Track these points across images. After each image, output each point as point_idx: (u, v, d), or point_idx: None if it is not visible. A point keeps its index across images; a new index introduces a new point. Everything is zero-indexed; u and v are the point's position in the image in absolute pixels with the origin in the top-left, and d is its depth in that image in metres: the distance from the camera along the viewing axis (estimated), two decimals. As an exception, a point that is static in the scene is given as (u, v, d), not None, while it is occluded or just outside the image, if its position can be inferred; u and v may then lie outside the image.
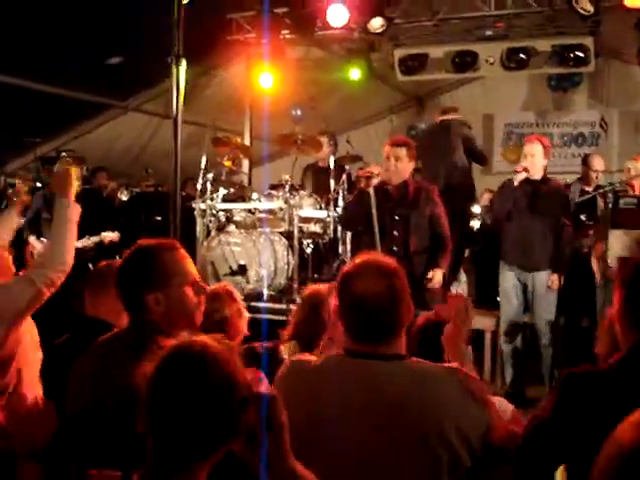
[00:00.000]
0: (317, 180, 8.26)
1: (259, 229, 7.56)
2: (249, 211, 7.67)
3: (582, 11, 8.00)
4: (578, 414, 2.36)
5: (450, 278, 7.77)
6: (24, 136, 10.05)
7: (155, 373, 1.77)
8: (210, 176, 7.65)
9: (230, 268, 7.22)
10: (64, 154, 8.88)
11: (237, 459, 1.82)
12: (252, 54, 9.66)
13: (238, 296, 3.99)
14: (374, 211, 5.69)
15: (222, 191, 7.69)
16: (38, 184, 8.89)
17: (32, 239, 7.34)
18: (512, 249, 6.62)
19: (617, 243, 6.41)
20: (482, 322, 7.21)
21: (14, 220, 5.22)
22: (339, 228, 7.44)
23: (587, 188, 7.70)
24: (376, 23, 8.74)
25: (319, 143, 8.14)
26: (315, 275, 7.85)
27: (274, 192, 7.66)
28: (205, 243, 7.49)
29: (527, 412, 3.05)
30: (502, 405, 3.06)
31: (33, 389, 3.44)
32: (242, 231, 7.54)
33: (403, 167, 5.93)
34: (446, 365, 2.45)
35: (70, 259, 3.39)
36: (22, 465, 2.71)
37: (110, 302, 3.36)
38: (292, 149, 8.08)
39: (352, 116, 12.85)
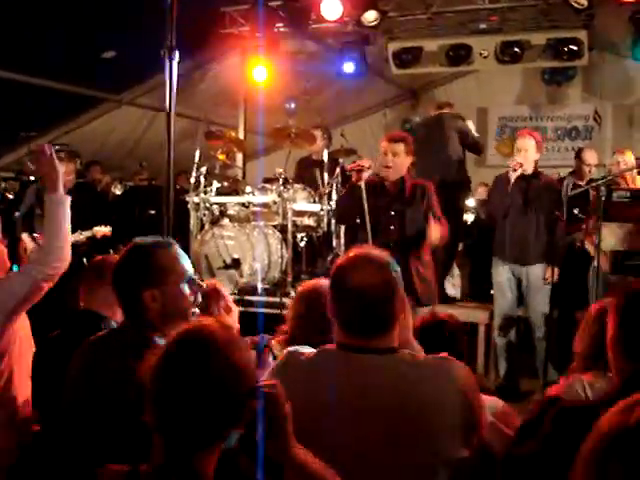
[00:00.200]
0: (311, 173, 8.25)
1: (253, 223, 7.55)
2: (243, 205, 7.66)
3: (576, 4, 8.01)
4: (571, 450, 2.36)
5: (444, 272, 7.79)
6: (18, 130, 10.04)
7: (161, 360, 1.79)
8: (204, 170, 7.64)
9: (224, 262, 7.22)
10: (58, 148, 8.85)
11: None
12: (246, 47, 9.66)
13: (225, 292, 3.99)
14: (365, 205, 5.68)
15: (216, 185, 7.69)
16: (32, 177, 8.88)
17: (25, 236, 7.30)
18: (506, 244, 6.63)
19: (610, 236, 6.43)
20: (476, 315, 7.25)
21: None
22: (333, 222, 7.44)
23: (580, 182, 7.71)
24: (370, 16, 8.75)
25: (313, 136, 8.12)
26: (309, 269, 7.85)
27: (268, 186, 7.65)
28: (199, 237, 7.48)
29: (520, 405, 3.08)
30: (493, 403, 3.08)
31: (22, 391, 3.44)
32: (236, 225, 7.53)
33: (401, 163, 5.91)
34: (438, 357, 2.45)
35: (67, 254, 3.39)
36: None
37: (105, 296, 3.37)
38: (286, 142, 8.06)
39: (346, 109, 12.86)
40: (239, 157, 9.74)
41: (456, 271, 8.50)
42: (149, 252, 2.65)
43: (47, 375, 3.29)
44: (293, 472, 1.88)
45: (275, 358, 3.14)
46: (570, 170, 8.32)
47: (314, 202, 7.55)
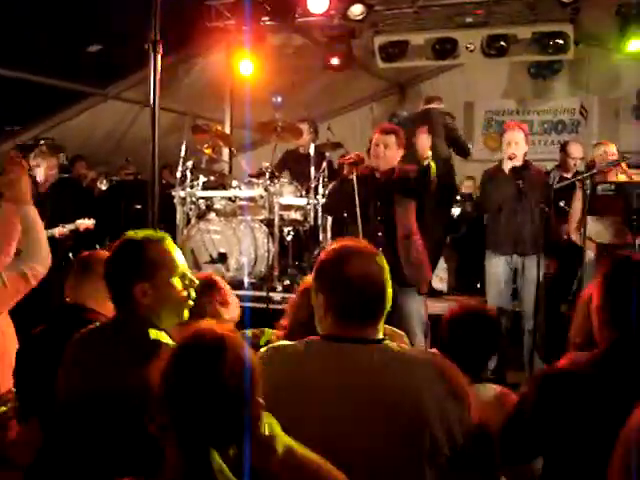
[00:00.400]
0: (297, 167, 8.25)
1: (239, 217, 7.55)
2: (229, 199, 7.65)
3: (562, -2, 8.04)
4: (556, 415, 2.39)
5: (433, 264, 7.80)
6: (2, 124, 9.98)
7: (173, 366, 1.80)
8: (190, 164, 7.63)
9: (210, 256, 7.22)
10: (42, 142, 8.82)
11: None
12: (232, 41, 9.61)
13: (223, 285, 3.96)
14: (357, 198, 5.68)
15: (202, 179, 7.67)
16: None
17: None
18: (502, 235, 6.61)
19: (595, 227, 6.46)
20: (462, 308, 7.25)
21: None
22: (319, 215, 7.44)
23: (566, 175, 7.74)
24: (356, 10, 8.73)
25: (299, 130, 8.12)
26: (296, 263, 7.85)
27: (254, 180, 7.65)
28: (185, 231, 7.48)
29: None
30: (486, 390, 3.09)
31: (3, 388, 3.42)
32: (222, 219, 7.52)
33: (391, 154, 5.94)
34: (425, 350, 2.46)
35: (48, 260, 3.39)
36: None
37: (92, 290, 3.37)
38: (272, 136, 8.06)
39: (333, 103, 12.84)
40: (225, 151, 9.72)
41: (443, 264, 8.52)
42: (141, 246, 2.64)
43: (34, 370, 3.27)
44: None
45: None
46: (556, 163, 8.34)
47: (301, 196, 7.54)
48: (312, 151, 7.75)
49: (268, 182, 7.34)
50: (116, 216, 9.04)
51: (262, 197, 7.39)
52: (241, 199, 7.59)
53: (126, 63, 9.47)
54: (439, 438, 2.22)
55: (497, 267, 6.64)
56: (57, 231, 6.86)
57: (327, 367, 2.31)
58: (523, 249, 6.48)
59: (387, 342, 2.37)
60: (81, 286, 3.56)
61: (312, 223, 7.55)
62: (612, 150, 7.02)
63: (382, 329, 2.40)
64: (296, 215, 7.58)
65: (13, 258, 3.46)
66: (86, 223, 7.32)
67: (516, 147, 6.48)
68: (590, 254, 6.49)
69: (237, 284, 7.09)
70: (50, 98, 10.11)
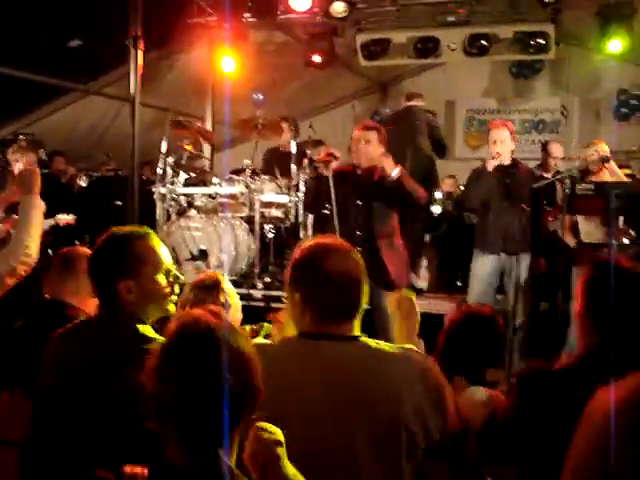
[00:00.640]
0: (279, 165, 8.23)
1: (220, 214, 7.52)
2: (210, 196, 7.62)
3: (543, -2, 8.08)
4: (536, 412, 2.40)
5: (411, 264, 7.81)
6: (-18, 119, 9.93)
7: (164, 359, 1.77)
8: (171, 160, 7.59)
9: (191, 253, 7.19)
10: (22, 137, 8.77)
11: None
12: (214, 38, 9.59)
13: (227, 286, 3.94)
14: (333, 196, 5.70)
15: (183, 175, 7.64)
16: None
17: None
18: (490, 235, 6.61)
19: (594, 229, 6.48)
20: (442, 306, 7.28)
21: None
22: (301, 213, 7.43)
23: (546, 174, 7.76)
24: (338, 7, 8.73)
25: (280, 128, 8.12)
26: (277, 260, 7.84)
27: (235, 177, 7.63)
28: (165, 228, 7.44)
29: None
30: (480, 393, 3.10)
31: None
32: (203, 216, 7.49)
33: (372, 150, 5.96)
34: (403, 346, 2.46)
35: (34, 252, 3.38)
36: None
37: (73, 286, 3.37)
38: (253, 134, 8.05)
39: (315, 101, 12.84)
40: (207, 148, 9.69)
41: (424, 262, 8.54)
42: (125, 242, 2.63)
43: (13, 366, 3.26)
44: None
45: None
46: (537, 163, 8.38)
47: (282, 193, 7.53)
48: (293, 149, 7.74)
49: (249, 179, 7.33)
50: (96, 212, 8.99)
51: (243, 194, 7.37)
52: (222, 196, 7.56)
53: (108, 59, 9.42)
54: (416, 434, 2.23)
55: (485, 266, 6.64)
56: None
57: (305, 365, 2.31)
58: (511, 248, 6.48)
59: (364, 338, 2.38)
60: (61, 282, 3.56)
61: (293, 220, 7.52)
62: (604, 149, 7.01)
63: (359, 326, 2.40)
64: (277, 212, 7.56)
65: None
66: (66, 218, 7.29)
67: (501, 145, 6.49)
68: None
69: (217, 281, 7.07)
70: (31, 93, 10.05)
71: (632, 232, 6.18)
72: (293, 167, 7.51)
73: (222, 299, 3.79)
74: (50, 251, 7.04)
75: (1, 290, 3.34)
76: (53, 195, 7.99)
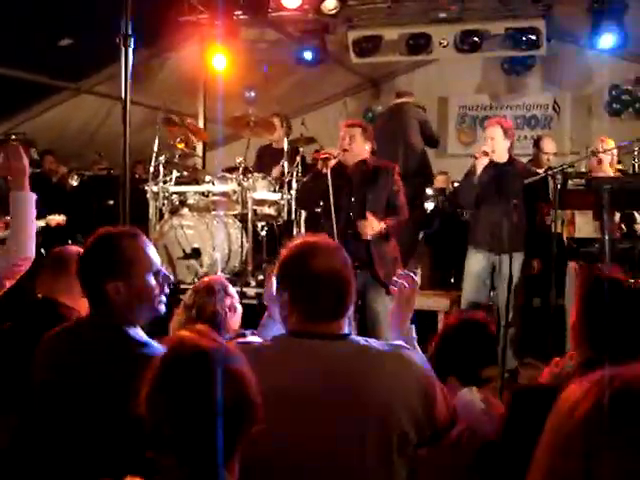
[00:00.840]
0: (271, 162, 8.23)
1: (213, 212, 7.52)
2: (202, 194, 7.62)
3: (534, -6, 8.08)
4: (527, 429, 2.39)
5: (405, 261, 7.81)
6: (-26, 119, 9.90)
7: (159, 385, 1.75)
8: (163, 159, 7.58)
9: (183, 251, 7.18)
10: (13, 137, 8.74)
11: None
12: (205, 35, 9.56)
13: (232, 290, 3.94)
14: (331, 194, 5.68)
15: (175, 174, 7.64)
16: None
17: None
18: (481, 232, 6.63)
19: (585, 226, 6.48)
20: (435, 303, 7.29)
21: None
22: (293, 210, 7.43)
23: (538, 170, 7.76)
24: (330, 4, 8.71)
25: (272, 125, 8.12)
26: (270, 258, 7.83)
27: (228, 175, 7.62)
28: (158, 226, 7.43)
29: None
30: (474, 394, 3.10)
31: None
32: (195, 214, 7.49)
33: (357, 147, 5.95)
34: (392, 343, 2.46)
35: (31, 251, 3.36)
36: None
37: (66, 285, 3.36)
38: (245, 131, 8.04)
39: (307, 98, 12.82)
40: (199, 146, 9.68)
41: (416, 260, 8.53)
42: (114, 243, 2.61)
43: (5, 365, 3.25)
44: None
45: None
46: (529, 159, 8.38)
47: (274, 191, 7.53)
48: (285, 146, 7.74)
49: (241, 177, 7.32)
50: (88, 212, 8.97)
51: (235, 192, 7.37)
52: (214, 194, 7.56)
53: (99, 57, 9.36)
54: (407, 431, 2.23)
55: (477, 263, 6.66)
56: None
57: (295, 364, 2.31)
58: (500, 246, 6.49)
59: (352, 336, 2.38)
60: (54, 281, 3.56)
61: (286, 218, 7.53)
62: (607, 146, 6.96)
63: (345, 324, 2.40)
64: (270, 210, 7.56)
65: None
66: (57, 219, 7.28)
67: (492, 142, 6.50)
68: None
69: (210, 280, 7.06)
70: (21, 92, 10.01)
71: (623, 226, 6.20)
72: (285, 164, 7.51)
73: (227, 302, 3.79)
74: (42, 251, 7.02)
75: (1, 290, 3.33)
76: (44, 195, 7.97)
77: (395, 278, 2.88)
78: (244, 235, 7.35)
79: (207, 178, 7.66)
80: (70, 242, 7.27)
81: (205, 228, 7.24)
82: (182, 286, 6.37)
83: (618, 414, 1.04)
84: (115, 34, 4.57)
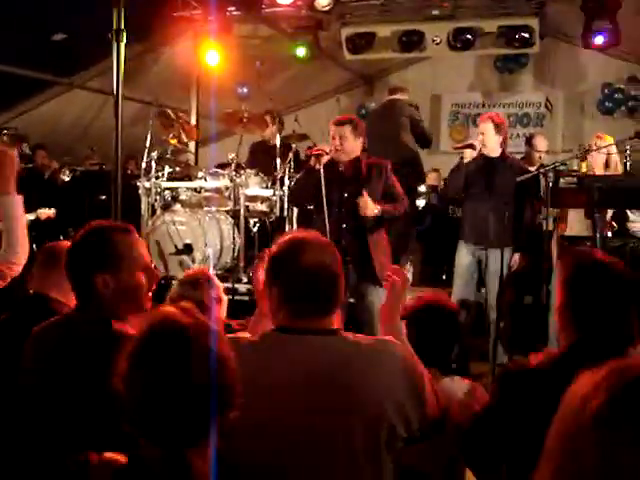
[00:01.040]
0: (264, 158, 8.23)
1: (205, 208, 7.52)
2: (195, 190, 7.62)
3: (527, -8, 8.10)
4: (515, 410, 2.41)
5: (398, 258, 7.83)
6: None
7: (134, 359, 1.73)
8: (155, 154, 7.57)
9: (176, 247, 7.17)
10: (5, 132, 8.72)
11: None
12: (198, 31, 9.56)
13: (217, 281, 3.94)
14: (324, 189, 5.67)
15: (167, 169, 7.63)
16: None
17: None
18: (467, 226, 6.66)
19: (579, 224, 6.50)
20: (427, 300, 7.29)
21: None
22: (285, 207, 7.43)
23: (531, 168, 7.77)
24: (323, 1, 8.72)
25: (265, 121, 8.11)
26: (260, 254, 7.83)
27: (220, 171, 7.62)
28: (150, 222, 7.42)
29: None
30: (455, 384, 3.10)
31: None
32: (187, 210, 7.48)
33: (349, 145, 5.92)
34: (381, 338, 2.46)
35: (24, 252, 3.35)
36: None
37: (58, 281, 3.34)
38: (238, 127, 8.04)
39: (300, 95, 12.82)
40: (191, 142, 9.67)
41: (408, 256, 8.55)
42: (105, 236, 2.60)
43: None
44: None
45: None
46: (521, 156, 8.39)
47: (267, 187, 7.53)
48: (278, 142, 7.74)
49: (234, 173, 7.32)
50: (80, 207, 8.96)
51: (228, 188, 7.37)
52: (207, 190, 7.56)
53: (92, 52, 9.35)
54: (396, 426, 2.24)
55: (463, 258, 6.68)
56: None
57: (284, 360, 2.30)
58: (487, 241, 6.51)
59: (342, 332, 2.38)
60: (45, 276, 3.55)
61: (278, 214, 7.53)
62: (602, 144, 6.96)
63: (337, 320, 2.41)
64: (262, 206, 7.56)
65: None
66: (47, 212, 7.28)
67: (482, 138, 6.53)
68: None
69: (202, 275, 7.06)
70: (14, 87, 9.99)
71: (615, 224, 6.22)
72: (278, 161, 7.52)
73: (213, 294, 3.80)
74: (34, 246, 7.02)
75: None
76: (36, 190, 7.98)
77: (388, 273, 2.88)
78: (236, 231, 7.35)
79: (199, 174, 7.66)
80: (62, 237, 7.26)
81: (197, 224, 7.24)
82: (174, 282, 6.37)
83: (632, 409, 1.05)
84: (108, 29, 4.57)
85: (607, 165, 6.63)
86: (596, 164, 6.59)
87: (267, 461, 2.22)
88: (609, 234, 6.02)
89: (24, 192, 3.52)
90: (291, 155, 7.73)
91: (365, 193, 5.73)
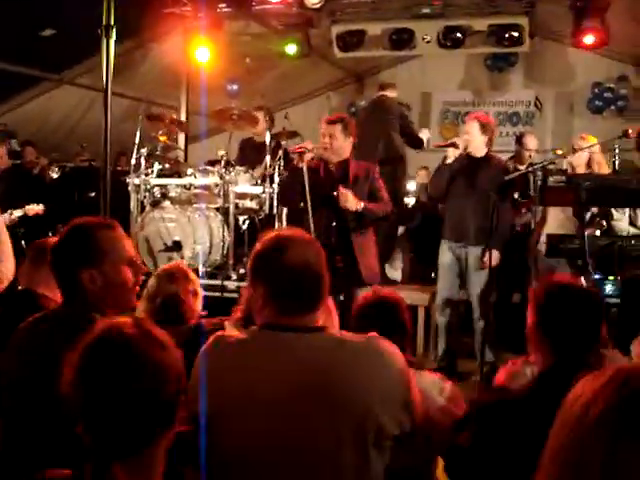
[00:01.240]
0: (253, 155, 8.22)
1: (194, 205, 7.50)
2: (184, 187, 7.59)
3: (517, -9, 8.12)
4: (494, 443, 2.41)
5: (385, 256, 7.84)
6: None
7: (77, 366, 1.71)
8: (144, 151, 7.56)
9: (165, 244, 7.16)
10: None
11: None
12: (188, 27, 9.53)
13: (193, 275, 3.95)
14: (307, 187, 5.68)
15: (157, 166, 7.61)
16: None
17: None
18: (448, 224, 6.72)
19: (553, 221, 6.54)
20: (416, 298, 7.33)
21: None
22: (275, 204, 7.42)
23: (520, 167, 7.80)
24: (314, -2, 8.71)
25: (255, 118, 8.09)
26: (251, 251, 7.82)
27: (209, 168, 7.60)
28: (139, 219, 7.41)
29: (458, 386, 3.12)
30: (439, 384, 3.10)
31: None
32: (177, 207, 7.46)
33: (339, 144, 5.92)
34: (367, 335, 2.47)
35: (12, 273, 3.35)
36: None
37: (47, 277, 3.34)
38: (228, 124, 8.02)
39: (290, 92, 12.83)
40: (181, 139, 9.66)
41: (398, 254, 8.58)
42: (89, 232, 2.61)
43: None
44: None
45: None
46: (511, 155, 8.42)
47: (256, 184, 7.52)
48: (268, 139, 7.73)
49: (223, 170, 7.31)
50: (69, 203, 8.94)
51: (217, 185, 7.35)
52: (196, 187, 7.54)
53: (81, 48, 9.31)
54: (384, 423, 2.24)
55: (445, 256, 6.74)
56: (7, 218, 6.79)
57: (270, 357, 2.31)
58: (467, 239, 6.56)
59: (328, 329, 2.39)
60: (34, 273, 3.56)
61: (267, 212, 7.50)
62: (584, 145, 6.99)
63: (321, 317, 2.41)
64: (252, 204, 7.54)
65: None
66: (35, 208, 7.26)
67: (467, 137, 6.56)
68: (542, 244, 6.56)
69: (192, 273, 7.06)
70: (3, 83, 9.95)
71: (604, 223, 6.24)
72: (267, 158, 7.51)
73: (190, 288, 3.81)
74: (23, 242, 7.01)
75: None
76: (24, 186, 7.96)
77: None
78: (225, 228, 7.34)
79: (189, 171, 7.64)
80: (50, 234, 7.24)
81: (187, 221, 7.22)
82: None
83: (633, 414, 1.05)
84: (98, 25, 4.56)
85: (589, 165, 6.68)
86: (579, 164, 6.63)
87: (255, 459, 2.23)
88: (597, 232, 6.03)
89: (12, 188, 3.52)
90: (281, 152, 7.72)
91: (343, 189, 5.74)
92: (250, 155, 8.34)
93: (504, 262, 6.54)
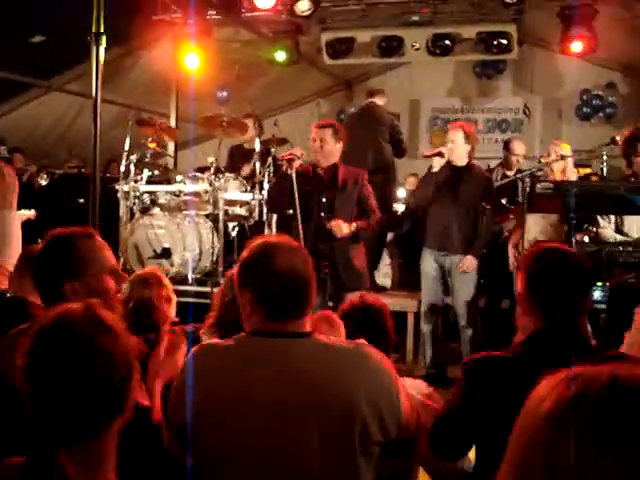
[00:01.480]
0: (243, 162, 8.23)
1: (184, 212, 7.50)
2: (174, 193, 7.59)
3: (505, -1, 8.16)
4: (482, 399, 2.45)
5: (373, 262, 7.86)
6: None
7: (26, 353, 1.72)
8: (134, 158, 7.55)
9: (154, 251, 7.15)
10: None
11: None
12: (178, 34, 9.53)
13: (167, 281, 3.95)
14: (296, 194, 5.70)
15: (146, 173, 7.61)
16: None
17: None
18: (431, 233, 6.74)
19: (534, 227, 6.56)
20: (404, 304, 7.34)
21: None
22: (264, 211, 7.43)
23: (508, 172, 7.84)
24: (303, 6, 8.71)
25: (244, 125, 8.10)
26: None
27: (199, 174, 7.61)
28: (128, 226, 7.40)
29: (447, 392, 3.13)
30: (420, 387, 3.12)
31: None
32: (166, 214, 7.46)
33: (329, 149, 5.97)
34: (354, 341, 2.49)
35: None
36: None
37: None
38: (217, 131, 8.03)
39: (280, 99, 12.84)
40: (171, 146, 9.65)
41: (387, 261, 8.59)
42: (69, 243, 2.61)
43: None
44: None
45: None
46: (499, 161, 8.45)
47: (246, 191, 7.53)
48: (257, 146, 7.74)
49: (213, 177, 7.32)
50: (58, 210, 8.92)
51: (207, 192, 7.36)
52: (186, 194, 7.54)
53: (70, 54, 9.30)
54: (370, 427, 2.25)
55: (428, 264, 6.76)
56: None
57: (258, 363, 2.32)
58: (449, 248, 6.59)
59: (315, 335, 2.40)
60: (24, 280, 3.54)
61: (257, 218, 7.52)
62: (560, 150, 7.07)
63: (309, 323, 2.42)
64: (241, 210, 7.55)
65: None
66: (26, 214, 7.23)
67: (452, 146, 6.58)
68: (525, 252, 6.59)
69: (181, 280, 7.06)
70: (-9, 89, 9.93)
71: (593, 230, 6.27)
72: (257, 165, 7.52)
73: (163, 293, 3.82)
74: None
75: None
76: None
77: None
78: (215, 235, 7.34)
79: (178, 178, 7.64)
80: (40, 241, 7.22)
81: (176, 228, 7.22)
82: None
83: (577, 414, 1.06)
84: (87, 32, 4.57)
85: (564, 172, 6.75)
86: (554, 171, 6.70)
87: (243, 462, 2.24)
88: (586, 239, 6.07)
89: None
90: (270, 159, 7.73)
91: (336, 220, 5.80)
92: (239, 162, 8.35)
93: (492, 268, 6.56)
